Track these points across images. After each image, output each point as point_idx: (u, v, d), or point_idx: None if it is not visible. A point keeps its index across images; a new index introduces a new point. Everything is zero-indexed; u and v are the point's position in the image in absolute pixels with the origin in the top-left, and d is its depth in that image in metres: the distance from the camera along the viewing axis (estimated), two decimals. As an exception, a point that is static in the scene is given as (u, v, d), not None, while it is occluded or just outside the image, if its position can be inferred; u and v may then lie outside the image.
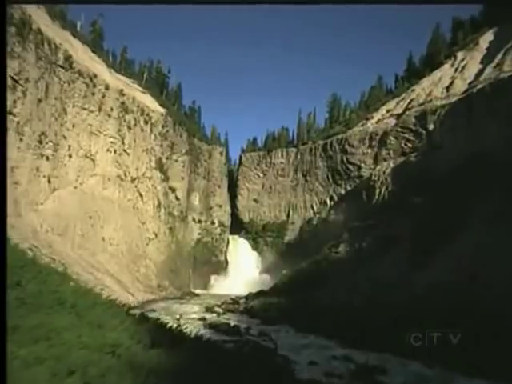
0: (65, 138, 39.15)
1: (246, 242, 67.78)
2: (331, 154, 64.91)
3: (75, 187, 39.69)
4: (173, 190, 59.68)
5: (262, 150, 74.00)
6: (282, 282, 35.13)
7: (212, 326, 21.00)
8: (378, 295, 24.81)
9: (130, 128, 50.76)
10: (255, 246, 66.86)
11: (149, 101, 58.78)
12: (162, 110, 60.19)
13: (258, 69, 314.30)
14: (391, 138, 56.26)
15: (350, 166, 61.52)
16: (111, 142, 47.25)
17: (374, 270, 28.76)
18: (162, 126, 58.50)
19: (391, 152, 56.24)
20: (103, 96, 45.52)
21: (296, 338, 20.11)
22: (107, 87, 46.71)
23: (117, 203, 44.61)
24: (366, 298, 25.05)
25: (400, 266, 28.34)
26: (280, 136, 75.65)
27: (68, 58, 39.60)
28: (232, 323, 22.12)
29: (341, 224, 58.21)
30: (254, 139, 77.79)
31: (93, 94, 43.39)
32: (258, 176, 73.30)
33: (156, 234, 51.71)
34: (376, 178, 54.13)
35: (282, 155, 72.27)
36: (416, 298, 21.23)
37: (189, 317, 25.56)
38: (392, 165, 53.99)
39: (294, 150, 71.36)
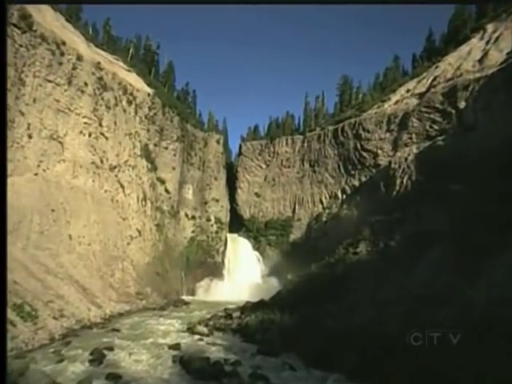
0: (22, 114, 32.63)
1: (246, 241, 62.43)
2: (343, 140, 58.08)
3: (36, 174, 33.20)
4: (162, 181, 53.20)
5: (264, 138, 68.59)
6: (287, 289, 28.40)
7: (183, 364, 14.25)
8: (420, 312, 17.88)
9: (108, 108, 44.23)
10: (256, 246, 61.66)
11: (133, 79, 52.13)
12: (149, 90, 53.58)
13: (259, 50, 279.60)
14: (413, 119, 49.30)
15: (365, 154, 54.63)
16: (85, 123, 40.73)
17: (408, 276, 21.84)
18: (149, 108, 51.90)
19: (414, 136, 49.33)
20: (74, 68, 38.98)
21: (307, 381, 13.30)
22: (80, 58, 40.14)
23: (90, 194, 38.06)
24: (403, 316, 18.17)
25: (443, 271, 21.32)
26: (284, 122, 69.23)
27: (26, 17, 32.96)
28: (214, 357, 15.31)
29: (354, 220, 51.67)
30: (256, 126, 72.06)
31: (60, 63, 36.88)
32: (260, 167, 66.79)
33: (140, 232, 45.14)
34: (396, 166, 47.19)
35: (286, 143, 65.86)
36: (476, 317, 14.36)
37: (159, 342, 18.79)
38: (415, 150, 47.00)
39: (301, 137, 64.87)
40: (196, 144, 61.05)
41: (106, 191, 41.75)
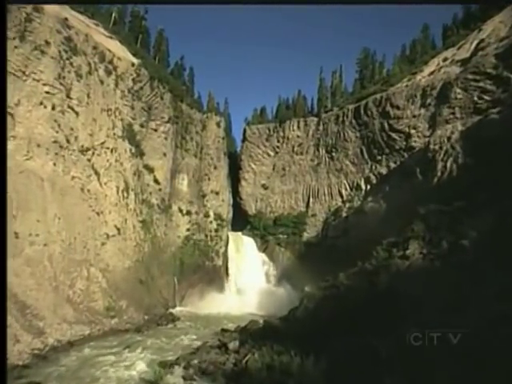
0: (-50, 71, 24.39)
1: (251, 240, 55.91)
2: (366, 120, 49.74)
3: (-30, 152, 24.94)
4: (150, 169, 45.47)
5: (272, 121, 62.02)
6: (306, 308, 20.31)
7: None
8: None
9: (79, 76, 36.35)
10: (264, 247, 54.90)
11: (115, 46, 44.13)
12: (135, 60, 45.46)
13: (266, 22, 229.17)
14: (457, 89, 40.67)
15: (394, 135, 46.19)
16: (47, 93, 32.93)
17: (492, 289, 13.82)
18: (134, 81, 44.02)
19: (457, 109, 40.84)
20: (28, 19, 31.01)
21: None
22: (38, 9, 32.09)
23: (49, 181, 30.26)
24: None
25: None
26: (296, 103, 61.54)
27: None
28: None
29: (382, 214, 43.20)
30: (263, 108, 65.29)
31: (4, 12, 28.60)
32: (268, 154, 60.06)
33: (119, 230, 37.30)
34: (437, 148, 38.69)
35: (298, 127, 58.66)
36: None
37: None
38: (460, 127, 38.30)
39: (315, 119, 57.91)
40: (192, 127, 53.43)
41: (73, 178, 33.86)
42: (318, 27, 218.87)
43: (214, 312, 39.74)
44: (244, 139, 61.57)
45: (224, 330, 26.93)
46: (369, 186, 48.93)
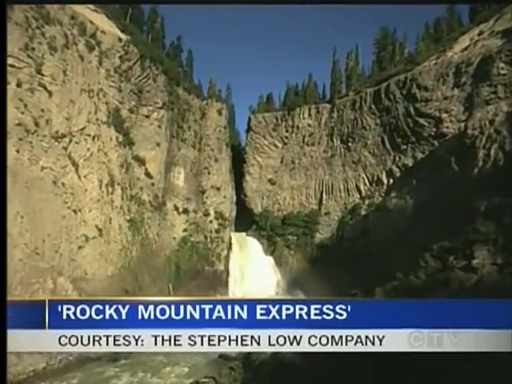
0: None
1: (256, 242, 51.50)
2: (388, 105, 44.39)
3: None
4: (140, 161, 40.49)
5: (280, 109, 57.26)
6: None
7: None
8: None
9: (53, 49, 31.41)
10: (271, 249, 50.25)
11: (98, 19, 38.81)
12: (123, 36, 40.12)
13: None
14: (500, 64, 34.96)
15: (422, 120, 40.70)
16: (12, 66, 27.51)
17: None
18: (121, 59, 38.95)
19: (500, 88, 34.86)
20: (-15, -25, 25.26)
21: None
22: (-1, -35, 26.40)
23: (11, 172, 24.83)
24: None
25: None
26: (306, 88, 56.66)
27: None
28: None
29: (409, 212, 37.84)
30: (269, 95, 60.49)
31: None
32: (275, 146, 55.37)
33: (101, 230, 32.24)
34: (476, 133, 32.96)
35: (309, 114, 53.86)
36: None
37: None
38: (506, 108, 32.50)
39: (328, 106, 53.10)
40: (190, 114, 48.50)
41: (43, 168, 28.71)
42: (329, 6, 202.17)
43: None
44: (248, 129, 57.08)
45: (223, 358, 21.49)
46: (391, 180, 43.64)
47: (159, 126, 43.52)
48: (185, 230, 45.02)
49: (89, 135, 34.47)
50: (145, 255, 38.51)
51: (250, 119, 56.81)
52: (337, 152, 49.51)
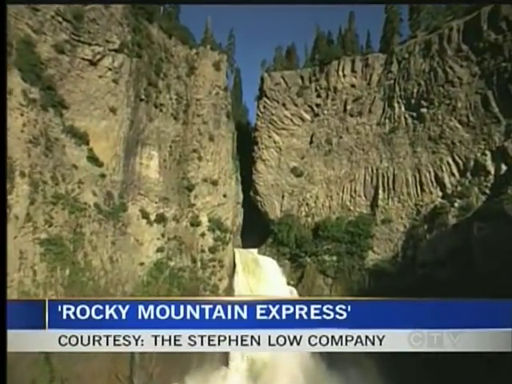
0: None
1: (274, 264, 39.02)
2: (494, 40, 28.79)
3: None
4: (79, 136, 29.03)
5: (307, 64, 44.22)
6: None
7: None
8: None
9: None
10: (297, 275, 37.97)
11: None
12: None
13: None
14: None
15: None
16: None
17: None
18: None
19: None
20: None
21: None
22: None
23: None
24: None
25: None
26: (344, 35, 43.61)
27: None
28: None
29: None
30: (291, 46, 46.94)
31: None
32: (302, 118, 41.33)
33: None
34: None
35: (353, 70, 39.34)
36: None
37: None
38: None
39: (382, 56, 38.71)
40: (170, 67, 36.68)
41: None
42: None
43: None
44: (261, 95, 43.73)
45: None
46: (504, 167, 27.90)
47: (115, 81, 30.39)
48: (160, 250, 31.58)
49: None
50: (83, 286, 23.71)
51: (263, 80, 44.22)
52: (400, 124, 35.49)
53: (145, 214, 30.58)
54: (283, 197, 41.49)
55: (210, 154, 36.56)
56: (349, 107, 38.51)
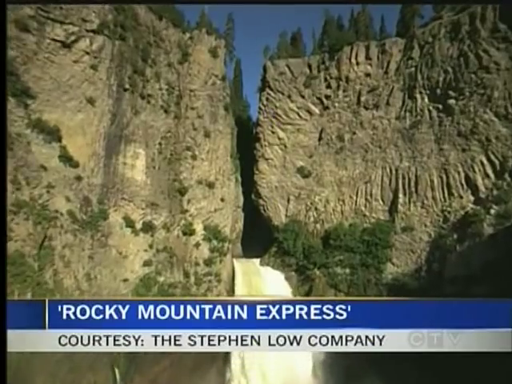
0: None
1: (279, 276, 36.29)
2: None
3: None
4: (49, 131, 25.29)
5: (315, 51, 40.89)
6: None
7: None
8: None
9: None
10: (305, 289, 35.28)
11: None
12: None
13: None
14: None
15: None
16: None
17: None
18: None
19: None
20: None
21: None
22: None
23: None
24: None
25: None
26: (358, 18, 39.01)
27: None
28: None
29: None
30: (296, 32, 43.71)
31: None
32: (309, 112, 38.03)
33: None
34: None
35: (367, 57, 35.82)
36: None
37: None
38: None
39: (400, 40, 35.08)
40: (160, 52, 32.73)
41: None
42: None
43: None
44: (264, 86, 40.33)
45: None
46: None
47: (93, 67, 27.15)
48: (147, 264, 28.39)
49: None
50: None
51: (265, 68, 41.13)
52: (424, 118, 31.56)
53: (129, 223, 27.36)
54: (289, 200, 38.87)
55: (205, 152, 33.50)
56: (363, 99, 34.93)
